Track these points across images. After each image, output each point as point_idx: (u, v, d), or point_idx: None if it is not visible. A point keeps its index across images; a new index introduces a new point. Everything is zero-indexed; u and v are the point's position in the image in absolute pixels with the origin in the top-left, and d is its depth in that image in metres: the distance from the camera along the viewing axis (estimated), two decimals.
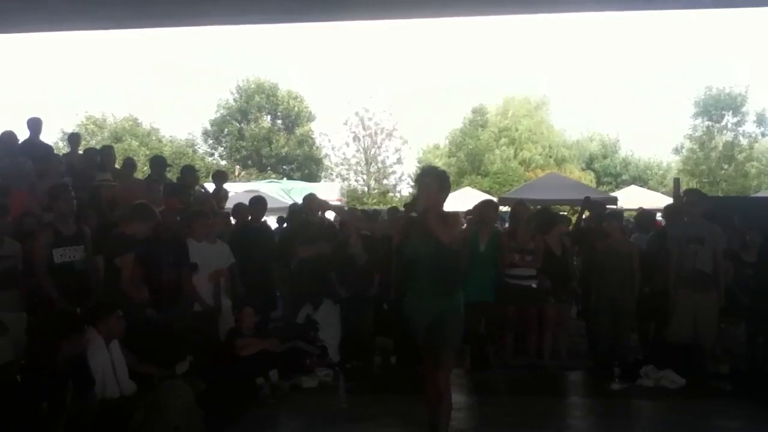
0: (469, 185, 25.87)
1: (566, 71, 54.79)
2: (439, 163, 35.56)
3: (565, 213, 13.78)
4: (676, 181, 12.62)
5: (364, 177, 36.23)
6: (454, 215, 4.50)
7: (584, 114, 63.68)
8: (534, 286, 6.62)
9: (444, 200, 4.30)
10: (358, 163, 36.49)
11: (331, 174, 36.76)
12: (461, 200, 14.85)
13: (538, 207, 10.27)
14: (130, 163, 8.75)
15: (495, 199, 10.95)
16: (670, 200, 12.56)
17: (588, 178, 31.91)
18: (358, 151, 36.40)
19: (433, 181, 4.27)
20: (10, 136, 7.94)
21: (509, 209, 9.15)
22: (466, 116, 36.32)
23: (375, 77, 59.31)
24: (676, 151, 35.08)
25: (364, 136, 36.13)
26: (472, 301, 6.58)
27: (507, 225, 8.77)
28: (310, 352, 6.28)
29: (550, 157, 34.08)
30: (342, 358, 6.66)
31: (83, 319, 4.32)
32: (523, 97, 35.71)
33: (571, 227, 8.20)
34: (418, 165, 36.36)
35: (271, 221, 10.42)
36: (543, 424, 5.08)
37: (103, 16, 7.48)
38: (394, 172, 36.45)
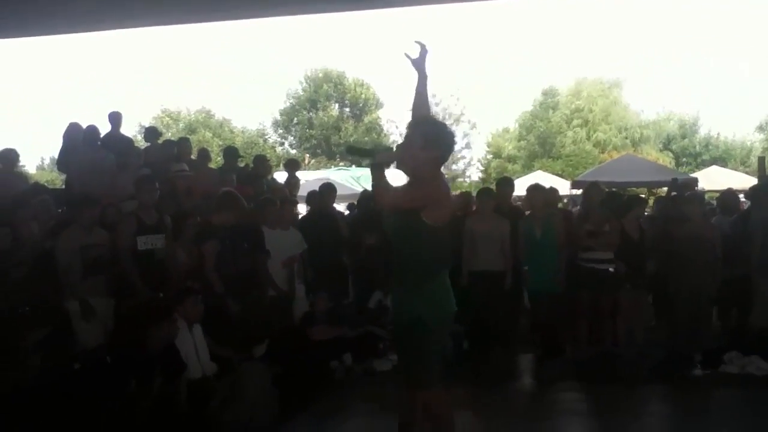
0: (541, 168, 25.35)
1: (640, 51, 52.87)
2: (509, 147, 35.09)
3: (643, 195, 13.33)
4: (761, 160, 12.00)
5: None
6: (436, 185, 3.29)
7: (661, 94, 61.23)
8: (611, 270, 6.39)
9: (431, 163, 3.25)
10: None
11: None
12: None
13: (613, 190, 9.97)
14: (204, 154, 9.00)
15: (568, 182, 10.71)
16: (754, 180, 11.97)
17: (666, 159, 30.79)
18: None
19: (415, 134, 3.29)
20: (93, 130, 8.30)
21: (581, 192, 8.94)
22: (536, 99, 35.63)
23: (441, 62, 58.85)
24: (761, 128, 33.39)
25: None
26: (537, 290, 6.59)
27: (578, 208, 8.58)
28: (383, 337, 6.35)
29: (626, 138, 33.06)
30: None
31: (170, 306, 4.50)
32: (595, 78, 34.74)
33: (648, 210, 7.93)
34: (487, 150, 35.97)
35: (342, 208, 10.54)
36: (620, 412, 4.97)
37: (176, 10, 7.72)
38: (462, 158, 36.20)
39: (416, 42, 3.52)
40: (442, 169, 3.51)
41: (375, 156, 3.27)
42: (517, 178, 17.73)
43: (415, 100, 3.55)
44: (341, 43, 56.83)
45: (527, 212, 6.96)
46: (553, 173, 23.01)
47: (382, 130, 36.92)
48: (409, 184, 3.35)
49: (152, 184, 5.78)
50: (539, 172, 22.11)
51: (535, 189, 6.89)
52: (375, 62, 60.93)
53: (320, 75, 36.55)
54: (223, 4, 7.17)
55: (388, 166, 3.33)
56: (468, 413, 4.74)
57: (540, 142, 33.74)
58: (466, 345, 6.61)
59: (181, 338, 4.55)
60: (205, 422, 4.31)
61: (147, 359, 4.03)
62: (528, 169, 26.51)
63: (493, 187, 7.99)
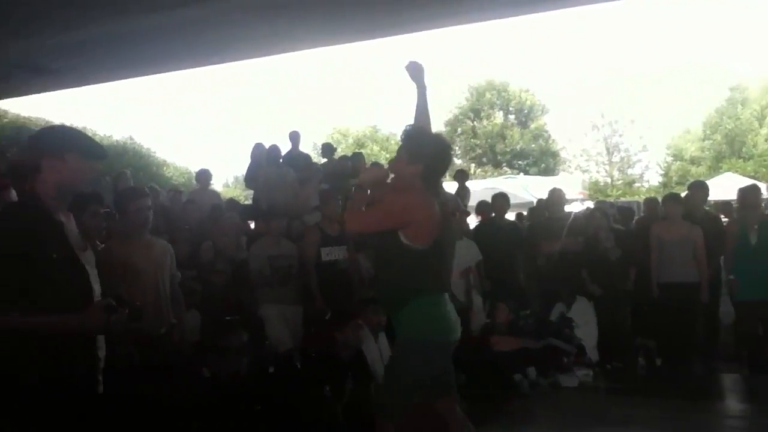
0: (729, 170, 23.21)
1: None
2: (692, 148, 32.47)
3: None
4: None
5: (606, 168, 34.53)
6: (417, 202, 2.98)
7: None
8: None
9: (414, 177, 3.00)
10: (598, 153, 34.90)
11: (569, 167, 35.55)
12: (721, 187, 13.29)
13: None
14: None
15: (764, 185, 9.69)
16: None
17: None
18: (597, 141, 34.81)
19: (401, 148, 3.09)
20: (275, 149, 8.83)
21: None
22: (722, 96, 32.79)
23: (607, 64, 56.29)
24: None
25: (603, 125, 34.46)
26: (746, 300, 5.96)
27: None
28: (568, 351, 6.08)
29: None
30: (600, 358, 6.36)
31: (354, 314, 4.62)
32: None
33: None
34: (667, 152, 33.68)
35: (511, 217, 10.33)
36: None
37: (337, 31, 8.04)
38: (639, 161, 34.29)
39: (410, 61, 3.43)
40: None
41: (360, 177, 3.10)
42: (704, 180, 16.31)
43: (415, 113, 3.40)
44: (503, 53, 56.37)
45: (735, 215, 6.37)
46: (744, 174, 20.98)
47: (549, 135, 35.91)
48: (381, 202, 3.09)
49: (335, 198, 6.00)
50: (728, 173, 20.26)
51: (751, 190, 6.31)
52: (538, 69, 59.76)
53: (483, 84, 36.34)
54: (396, 18, 7.36)
55: (371, 186, 3.14)
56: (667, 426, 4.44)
57: (728, 141, 30.94)
58: (659, 361, 6.17)
59: (367, 346, 4.65)
60: None
61: (338, 365, 4.17)
62: (714, 171, 24.36)
63: (678, 191, 7.43)
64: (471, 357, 5.73)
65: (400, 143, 3.18)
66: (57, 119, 14.62)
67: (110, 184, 7.57)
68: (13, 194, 3.97)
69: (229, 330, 4.34)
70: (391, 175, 3.11)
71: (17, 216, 2.48)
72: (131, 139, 16.57)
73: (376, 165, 3.26)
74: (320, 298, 5.48)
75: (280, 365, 4.53)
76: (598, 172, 34.61)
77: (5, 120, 13.30)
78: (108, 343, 2.63)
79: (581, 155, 35.43)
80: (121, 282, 3.59)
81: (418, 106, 3.42)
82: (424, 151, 3.04)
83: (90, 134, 14.52)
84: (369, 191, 3.12)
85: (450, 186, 10.18)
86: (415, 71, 3.41)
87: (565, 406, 5.28)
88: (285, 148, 9.32)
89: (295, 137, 9.60)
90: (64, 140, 2.54)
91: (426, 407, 3.17)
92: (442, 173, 3.23)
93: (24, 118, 13.78)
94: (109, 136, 16.15)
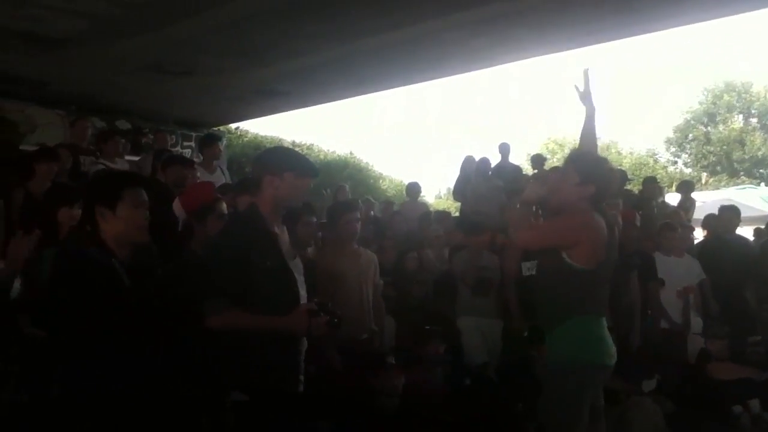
0: None
1: None
2: None
3: None
4: None
5: None
6: (586, 223, 2.96)
7: None
8: None
9: (585, 199, 2.98)
10: None
11: None
12: None
13: None
14: None
15: None
16: None
17: None
18: None
19: (570, 169, 3.07)
20: (484, 161, 8.92)
21: None
22: None
23: None
24: None
25: None
26: None
27: None
28: None
29: None
30: None
31: None
32: None
33: None
34: None
35: (747, 232, 9.34)
36: None
37: (558, 38, 7.89)
38: None
39: (583, 72, 3.32)
40: None
41: (525, 193, 3.06)
42: None
43: (581, 136, 3.32)
44: (746, 51, 50.97)
45: None
46: None
47: None
48: (553, 220, 3.02)
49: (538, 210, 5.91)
50: None
51: None
52: None
53: (721, 86, 33.11)
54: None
55: (536, 202, 3.06)
56: None
57: None
58: None
59: None
60: None
61: (533, 383, 4.12)
62: None
63: None
64: (685, 384, 5.34)
65: (566, 164, 3.20)
66: (288, 137, 16.09)
67: (330, 196, 8.20)
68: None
69: (428, 339, 4.49)
70: (556, 194, 3.08)
71: (240, 227, 2.85)
72: (351, 154, 17.67)
73: (554, 170, 3.33)
74: (518, 314, 5.44)
75: (476, 378, 4.59)
76: None
77: (246, 139, 14.95)
78: (311, 345, 2.91)
79: None
80: (328, 288, 3.92)
81: (585, 128, 3.38)
82: (597, 172, 3.04)
83: (315, 150, 15.91)
84: (534, 208, 3.12)
85: (673, 198, 9.53)
86: (585, 95, 3.39)
87: None
88: (497, 160, 9.40)
89: (504, 149, 9.64)
90: (283, 160, 2.85)
91: None
92: (608, 197, 3.25)
93: (261, 137, 15.35)
94: (333, 152, 17.38)
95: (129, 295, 2.39)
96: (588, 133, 3.38)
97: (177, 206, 3.67)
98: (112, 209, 2.46)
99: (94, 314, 2.29)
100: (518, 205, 3.16)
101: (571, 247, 2.94)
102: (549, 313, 3.06)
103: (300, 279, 2.87)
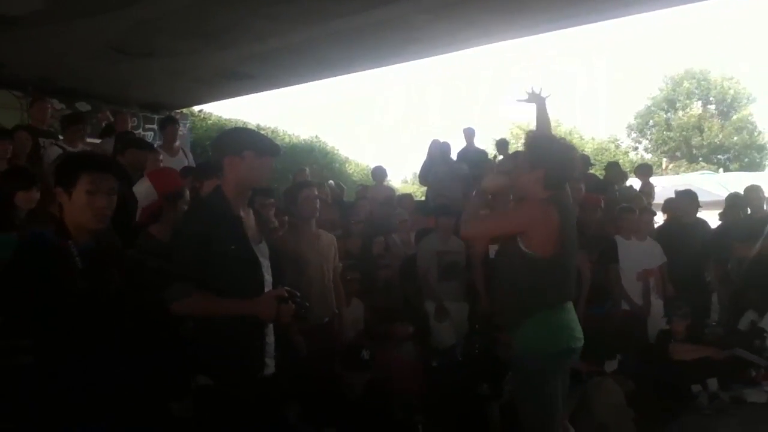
0: None
1: None
2: None
3: None
4: None
5: None
6: (540, 209, 2.92)
7: None
8: None
9: (536, 183, 2.93)
10: None
11: None
12: None
13: None
14: None
15: None
16: None
17: None
18: None
19: (523, 155, 3.02)
20: (445, 146, 8.94)
21: None
22: None
23: None
24: None
25: None
26: None
27: None
28: (757, 363, 5.54)
29: None
30: None
31: None
32: None
33: None
34: None
35: (709, 216, 9.55)
36: None
37: (523, 23, 7.91)
38: None
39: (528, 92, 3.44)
40: None
41: (482, 184, 3.00)
42: None
43: (536, 125, 3.42)
44: (705, 40, 51.93)
45: None
46: None
47: (755, 127, 32.44)
48: (499, 212, 3.01)
49: (506, 195, 5.94)
50: None
51: None
52: (744, 54, 54.28)
53: (681, 73, 33.68)
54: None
55: (494, 192, 3.03)
56: None
57: None
58: None
59: None
60: None
61: (498, 364, 4.17)
62: None
63: None
64: (646, 364, 5.46)
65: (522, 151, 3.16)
66: (253, 121, 15.90)
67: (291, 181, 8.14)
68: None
69: (395, 320, 4.50)
70: (514, 182, 3.07)
71: (202, 211, 2.81)
72: (317, 138, 17.54)
73: (515, 155, 3.34)
74: (485, 296, 5.50)
75: (443, 360, 4.63)
76: None
77: (209, 122, 14.72)
78: (277, 330, 2.89)
79: None
80: (292, 272, 3.88)
81: (537, 119, 3.43)
82: (544, 156, 2.98)
83: (281, 133, 15.73)
84: (490, 197, 3.11)
85: (635, 183, 9.67)
86: (533, 97, 3.49)
87: (748, 423, 4.81)
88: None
89: (469, 133, 9.67)
90: (242, 140, 2.79)
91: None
92: (566, 178, 3.10)
93: (225, 120, 15.14)
94: (297, 136, 17.24)
95: (81, 279, 2.31)
96: (540, 122, 3.43)
97: (148, 188, 3.59)
98: (68, 194, 2.38)
99: (42, 298, 2.22)
100: (474, 195, 3.10)
101: (522, 235, 2.91)
102: (514, 308, 3.02)
103: (266, 263, 2.84)
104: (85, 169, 2.40)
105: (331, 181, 9.66)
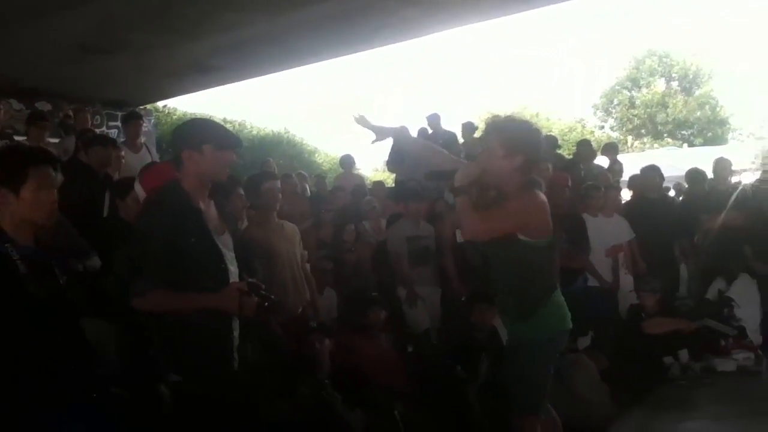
0: None
1: None
2: None
3: None
4: None
5: None
6: (529, 196, 2.86)
7: None
8: None
9: (518, 171, 2.84)
10: None
11: (740, 135, 32.39)
12: None
13: None
14: None
15: None
16: None
17: None
18: None
19: (493, 143, 2.85)
20: (404, 129, 8.91)
21: None
22: None
23: None
24: None
25: None
26: None
27: None
28: (726, 332, 5.65)
29: None
30: (764, 341, 5.83)
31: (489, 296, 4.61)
32: None
33: None
34: None
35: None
36: None
37: (489, 6, 7.92)
38: None
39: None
40: None
41: (455, 179, 2.80)
42: None
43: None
44: (666, 20, 52.53)
45: None
46: None
47: (716, 102, 32.93)
48: (497, 204, 2.89)
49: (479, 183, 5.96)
50: None
51: None
52: (702, 35, 55.09)
53: (644, 52, 34.03)
54: None
55: (471, 186, 2.82)
56: None
57: None
58: None
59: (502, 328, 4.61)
60: None
61: (473, 347, 4.19)
62: None
63: None
64: (618, 339, 5.53)
65: (486, 140, 2.97)
66: (219, 114, 15.65)
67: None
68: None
69: (367, 307, 4.48)
70: (486, 172, 2.88)
71: (160, 204, 2.74)
72: (285, 130, 17.44)
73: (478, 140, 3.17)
74: (456, 280, 5.51)
75: (418, 345, 4.63)
76: None
77: (174, 117, 14.49)
78: (252, 325, 2.84)
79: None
80: (263, 264, 3.85)
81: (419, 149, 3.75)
82: (522, 140, 2.85)
83: (248, 126, 15.53)
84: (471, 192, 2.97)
85: (602, 161, 9.76)
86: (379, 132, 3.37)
87: (720, 392, 4.91)
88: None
89: (433, 119, 9.65)
90: (200, 133, 2.72)
91: None
92: (538, 162, 3.11)
93: (191, 114, 14.89)
94: (266, 128, 17.11)
95: (25, 284, 2.21)
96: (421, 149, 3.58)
97: (137, 187, 3.54)
98: (14, 191, 2.26)
99: None
100: (453, 196, 2.95)
101: (522, 228, 2.86)
102: (528, 298, 2.96)
103: (230, 254, 2.79)
104: (34, 163, 2.30)
105: (301, 171, 9.61)
